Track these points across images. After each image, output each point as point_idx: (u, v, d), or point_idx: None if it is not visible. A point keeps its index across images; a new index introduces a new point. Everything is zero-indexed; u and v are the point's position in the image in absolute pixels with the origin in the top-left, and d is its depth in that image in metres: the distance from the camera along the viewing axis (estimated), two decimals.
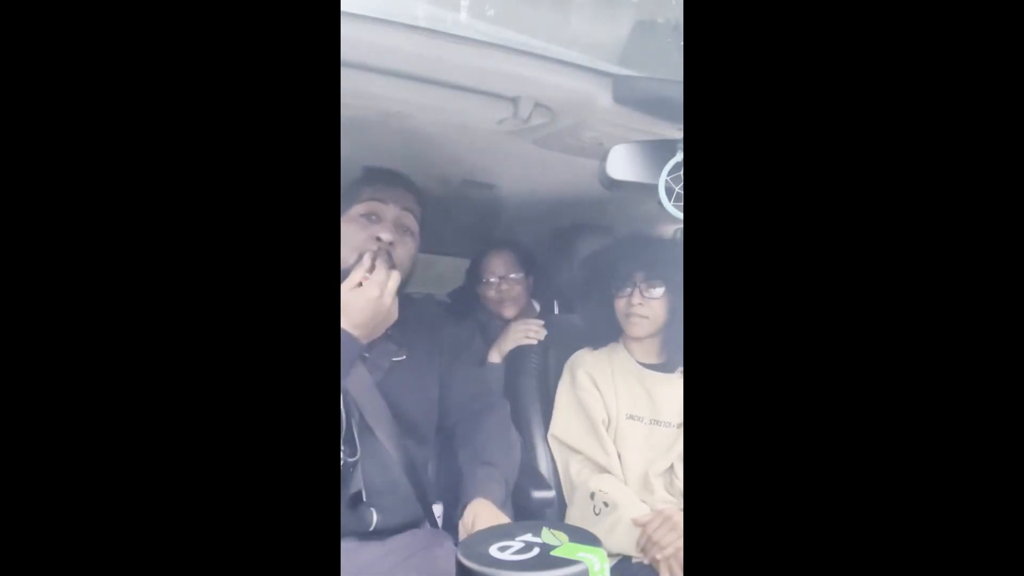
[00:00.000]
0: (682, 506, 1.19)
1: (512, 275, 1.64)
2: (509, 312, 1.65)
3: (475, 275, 1.71)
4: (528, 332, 1.48)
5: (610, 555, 1.13)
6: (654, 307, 1.26)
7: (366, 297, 0.94)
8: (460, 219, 1.68)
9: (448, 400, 1.15)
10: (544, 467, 1.34)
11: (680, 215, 0.86)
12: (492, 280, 1.64)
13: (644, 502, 1.19)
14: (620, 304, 1.29)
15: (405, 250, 1.08)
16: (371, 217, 1.06)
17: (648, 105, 0.95)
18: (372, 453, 1.03)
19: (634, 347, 1.34)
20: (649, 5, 0.94)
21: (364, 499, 1.01)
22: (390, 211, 1.07)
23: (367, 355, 1.06)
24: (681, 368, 1.30)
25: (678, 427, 1.25)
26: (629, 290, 1.27)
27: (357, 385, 1.02)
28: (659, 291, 1.26)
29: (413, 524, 1.08)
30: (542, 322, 1.50)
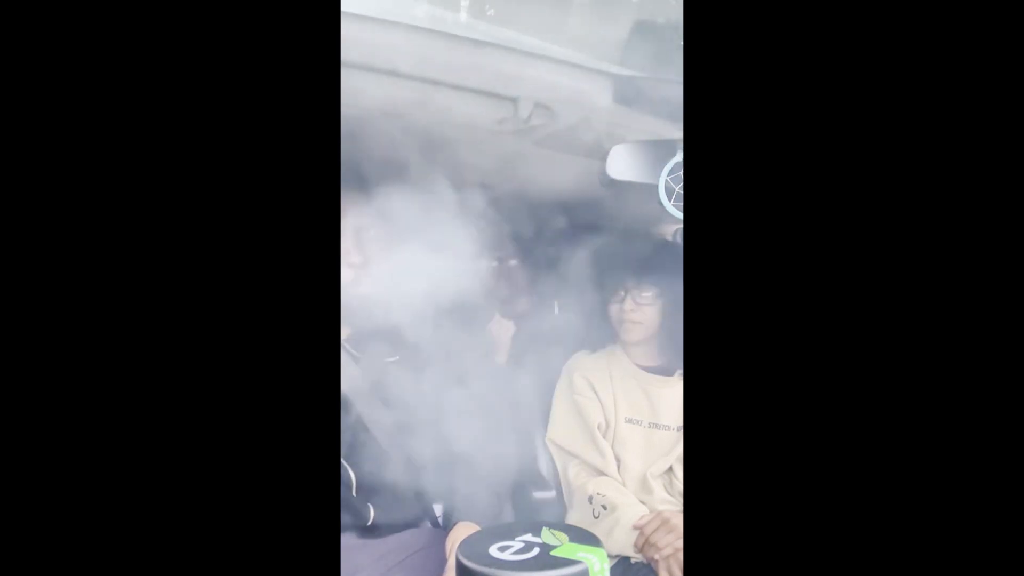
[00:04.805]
0: (682, 507, 1.19)
1: (511, 261, 1.70)
2: (504, 292, 1.70)
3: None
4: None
5: (610, 556, 1.13)
6: (647, 312, 1.26)
7: None
8: (459, 219, 1.68)
9: (446, 401, 1.15)
10: (545, 468, 1.34)
11: (680, 215, 0.86)
12: (494, 264, 1.71)
13: (643, 503, 1.19)
14: (613, 310, 1.29)
15: None
16: None
17: (648, 105, 0.95)
18: (369, 452, 1.03)
19: (632, 350, 1.33)
20: (649, 5, 0.94)
21: (355, 493, 1.02)
22: None
23: (360, 356, 1.07)
24: (680, 370, 1.29)
25: (677, 430, 1.25)
26: (622, 294, 1.27)
27: (352, 385, 1.03)
28: (651, 296, 1.26)
29: (412, 523, 1.08)
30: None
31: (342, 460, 1.02)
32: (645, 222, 1.66)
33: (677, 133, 0.96)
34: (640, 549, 1.11)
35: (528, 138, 1.10)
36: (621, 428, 1.27)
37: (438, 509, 1.12)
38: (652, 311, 1.26)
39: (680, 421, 1.25)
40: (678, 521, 1.09)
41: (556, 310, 1.82)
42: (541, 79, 0.90)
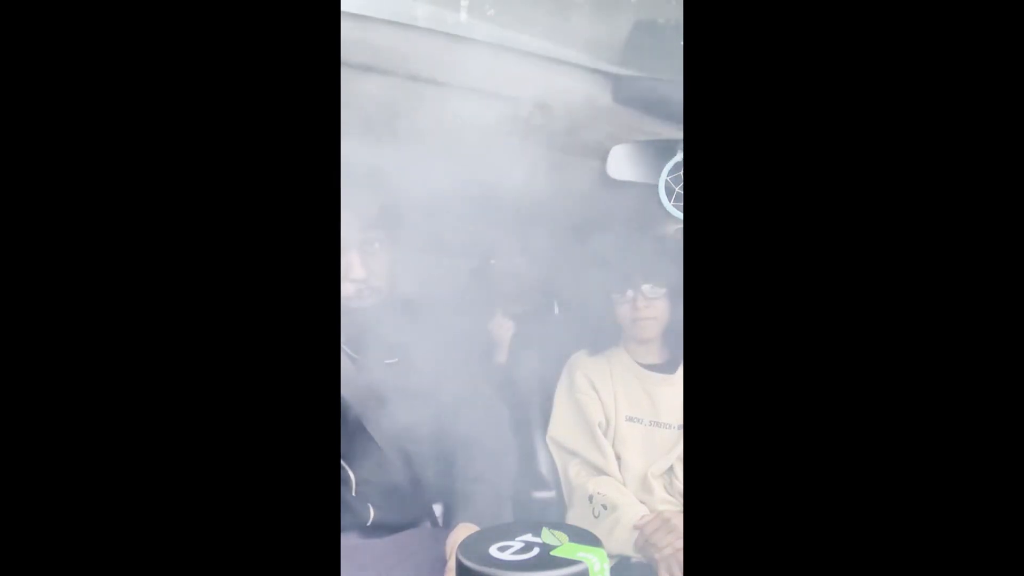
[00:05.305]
0: (682, 507, 1.19)
1: (517, 258, 1.70)
2: (509, 289, 1.72)
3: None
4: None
5: (610, 556, 1.13)
6: (658, 307, 1.26)
7: None
8: (460, 219, 1.68)
9: (446, 402, 1.15)
10: (544, 468, 1.34)
11: (680, 215, 0.86)
12: (499, 261, 1.72)
13: (643, 503, 1.19)
14: (624, 310, 1.28)
15: None
16: None
17: (648, 105, 0.95)
18: (367, 453, 1.04)
19: (634, 348, 1.33)
20: (649, 5, 0.94)
21: (355, 494, 1.02)
22: None
23: (358, 358, 1.07)
24: (681, 368, 1.29)
25: (678, 428, 1.25)
26: (631, 294, 1.27)
27: (350, 387, 1.03)
28: (660, 291, 1.26)
29: (412, 523, 1.08)
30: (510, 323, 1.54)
31: (342, 461, 1.02)
32: (645, 222, 1.66)
33: (677, 133, 0.96)
34: (640, 549, 1.11)
35: (528, 138, 1.10)
36: (622, 426, 1.27)
37: (438, 509, 1.12)
38: (663, 305, 1.26)
39: (681, 419, 1.25)
40: (678, 521, 1.09)
41: (556, 310, 1.82)
42: (541, 79, 0.90)
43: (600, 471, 1.24)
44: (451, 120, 1.03)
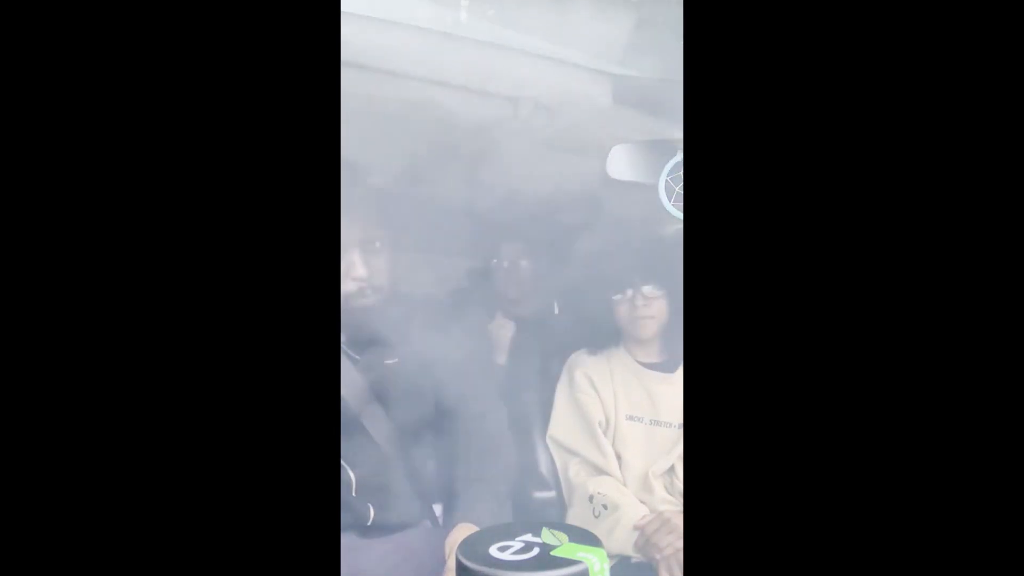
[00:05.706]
0: (682, 507, 1.19)
1: (522, 262, 1.68)
2: (513, 293, 1.69)
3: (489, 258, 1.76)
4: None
5: (610, 556, 1.13)
6: (657, 307, 1.27)
7: None
8: (460, 219, 1.68)
9: (446, 402, 1.15)
10: (545, 468, 1.34)
11: (680, 215, 0.86)
12: (504, 264, 1.69)
13: (643, 503, 1.19)
14: (623, 309, 1.28)
15: None
16: None
17: (648, 105, 0.96)
18: (367, 453, 1.04)
19: (634, 348, 1.34)
20: (649, 5, 0.94)
21: (355, 494, 1.02)
22: None
23: (359, 358, 1.07)
24: (681, 367, 1.30)
25: (678, 427, 1.25)
26: (631, 293, 1.27)
27: (350, 387, 1.03)
28: (660, 291, 1.26)
29: (412, 523, 1.08)
30: (511, 322, 1.55)
31: (342, 461, 1.02)
32: (645, 222, 1.66)
33: (677, 133, 0.96)
34: (640, 549, 1.11)
35: (528, 138, 1.10)
36: (622, 425, 1.27)
37: (438, 509, 1.12)
38: (662, 304, 1.26)
39: (681, 418, 1.25)
40: (679, 521, 1.09)
41: (556, 310, 1.82)
42: (541, 79, 0.90)
43: (600, 470, 1.24)
44: (451, 120, 1.03)
